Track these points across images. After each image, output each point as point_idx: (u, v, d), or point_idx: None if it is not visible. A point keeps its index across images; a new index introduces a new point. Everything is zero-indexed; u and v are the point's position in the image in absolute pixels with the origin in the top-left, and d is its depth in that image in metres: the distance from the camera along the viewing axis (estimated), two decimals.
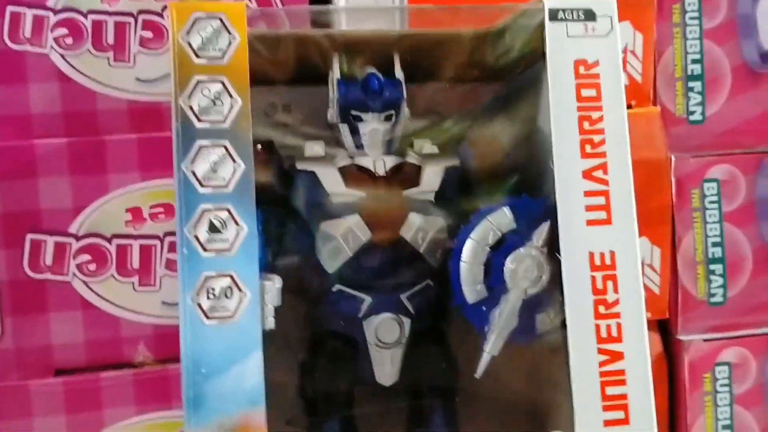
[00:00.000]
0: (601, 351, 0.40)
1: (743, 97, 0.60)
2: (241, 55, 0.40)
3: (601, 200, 0.40)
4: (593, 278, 0.40)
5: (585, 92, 0.41)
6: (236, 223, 0.40)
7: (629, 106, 0.57)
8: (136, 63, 0.53)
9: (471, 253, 0.42)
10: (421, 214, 0.44)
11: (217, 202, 0.40)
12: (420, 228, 0.43)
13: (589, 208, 0.40)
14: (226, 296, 0.39)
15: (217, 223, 0.40)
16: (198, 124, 0.40)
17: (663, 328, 0.60)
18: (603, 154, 0.41)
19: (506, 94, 0.48)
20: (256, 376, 0.38)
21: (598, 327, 0.40)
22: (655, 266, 0.57)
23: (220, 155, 0.40)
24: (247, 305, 0.39)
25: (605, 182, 0.41)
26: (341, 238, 0.43)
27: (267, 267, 0.42)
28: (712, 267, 0.59)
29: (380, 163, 0.44)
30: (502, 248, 0.42)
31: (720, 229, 0.59)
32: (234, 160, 0.40)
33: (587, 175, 0.41)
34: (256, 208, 0.40)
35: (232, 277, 0.39)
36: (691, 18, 0.59)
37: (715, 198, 0.59)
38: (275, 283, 0.41)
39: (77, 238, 0.52)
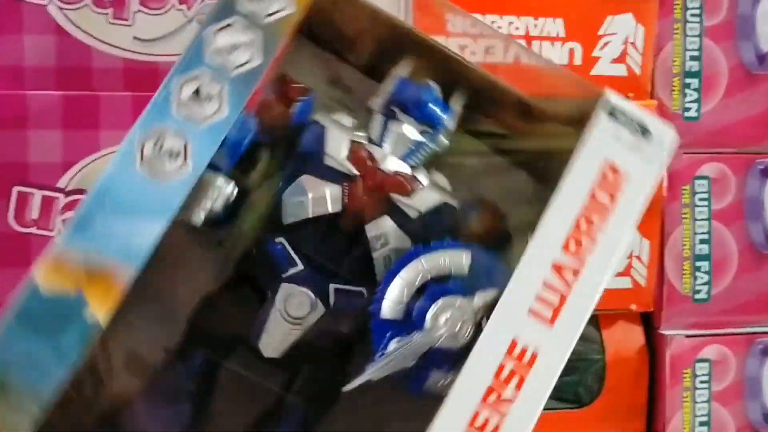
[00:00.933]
0: None
1: (739, 98, 0.60)
2: None
3: (554, 299, 0.38)
4: (502, 366, 0.37)
5: (599, 195, 0.40)
6: (221, 103, 0.39)
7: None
8: (135, 22, 0.53)
9: (413, 272, 0.40)
10: (395, 224, 0.43)
11: (216, 76, 0.39)
12: (385, 234, 0.42)
13: (539, 299, 0.38)
14: (170, 157, 0.38)
15: (204, 92, 0.39)
16: (241, 5, 0.40)
17: (647, 322, 0.60)
18: (583, 261, 0.39)
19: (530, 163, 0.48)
20: (147, 239, 0.37)
21: (477, 414, 0.37)
22: (643, 259, 0.57)
23: (246, 41, 0.39)
24: (180, 177, 0.38)
25: (569, 286, 0.38)
26: (311, 198, 0.42)
27: (226, 173, 0.41)
28: (698, 264, 0.59)
29: (389, 160, 0.43)
30: (443, 285, 0.40)
31: (708, 226, 0.59)
32: (256, 52, 0.39)
33: (557, 269, 0.39)
34: (252, 119, 0.40)
35: (187, 145, 0.38)
36: (693, 15, 0.59)
37: (705, 195, 0.59)
38: (227, 187, 0.40)
39: (65, 193, 0.51)
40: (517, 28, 0.57)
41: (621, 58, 0.57)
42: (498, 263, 0.41)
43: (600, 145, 0.40)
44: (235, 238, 0.44)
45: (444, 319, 0.39)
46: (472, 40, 0.53)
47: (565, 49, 0.57)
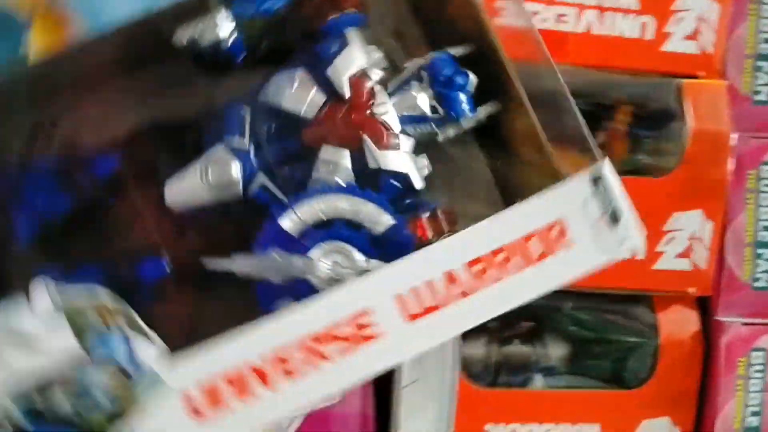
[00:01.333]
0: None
1: None
2: None
3: (429, 302, 0.38)
4: (339, 324, 0.37)
5: (533, 243, 0.38)
6: None
7: (696, 77, 0.57)
8: None
9: (331, 204, 0.40)
10: (350, 162, 0.42)
11: None
12: (336, 164, 0.41)
13: (414, 292, 0.37)
14: None
15: None
16: None
17: (703, 307, 0.59)
18: (476, 288, 0.38)
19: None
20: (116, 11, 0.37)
21: (286, 350, 0.37)
22: (705, 240, 0.56)
23: None
24: None
25: (450, 300, 0.38)
26: (293, 91, 0.42)
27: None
28: (759, 251, 0.58)
29: (387, 109, 0.42)
30: (348, 231, 0.40)
31: None
32: None
33: (449, 277, 0.38)
34: None
35: None
36: None
37: None
38: (224, 26, 0.41)
39: None
40: None
41: (693, 36, 0.56)
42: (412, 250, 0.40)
43: (565, 201, 0.38)
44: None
45: (331, 262, 0.39)
46: (545, 5, 0.53)
47: (637, 21, 0.56)
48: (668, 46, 0.56)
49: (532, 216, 0.38)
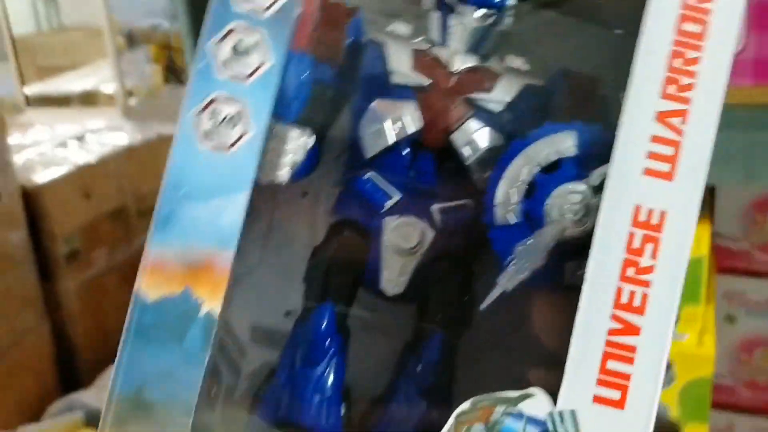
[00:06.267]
0: (615, 317, 0.34)
1: None
2: None
3: (668, 150, 0.35)
4: (631, 234, 0.34)
5: (687, 26, 0.36)
6: (263, 52, 0.37)
7: None
8: None
9: (515, 168, 0.38)
10: (482, 123, 0.40)
11: (250, 23, 0.37)
12: (473, 138, 0.40)
13: (652, 156, 0.35)
14: (231, 124, 0.37)
15: (241, 47, 0.37)
16: None
17: None
18: (687, 100, 0.35)
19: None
20: (234, 216, 0.36)
21: (620, 290, 0.34)
22: None
23: None
24: (247, 141, 0.36)
25: (680, 132, 0.35)
26: (388, 122, 0.40)
27: (297, 121, 0.40)
28: None
29: (458, 58, 0.41)
30: (554, 174, 0.38)
31: None
32: None
33: (661, 118, 0.35)
34: (304, 54, 0.38)
35: (243, 106, 0.37)
36: None
37: None
38: (304, 136, 0.39)
39: None
40: None
41: None
42: (603, 133, 0.37)
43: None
44: (320, 185, 0.43)
45: (565, 208, 0.37)
46: None
47: None
48: None
49: (664, 14, 0.36)
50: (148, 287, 0.35)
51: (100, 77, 2.57)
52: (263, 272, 0.43)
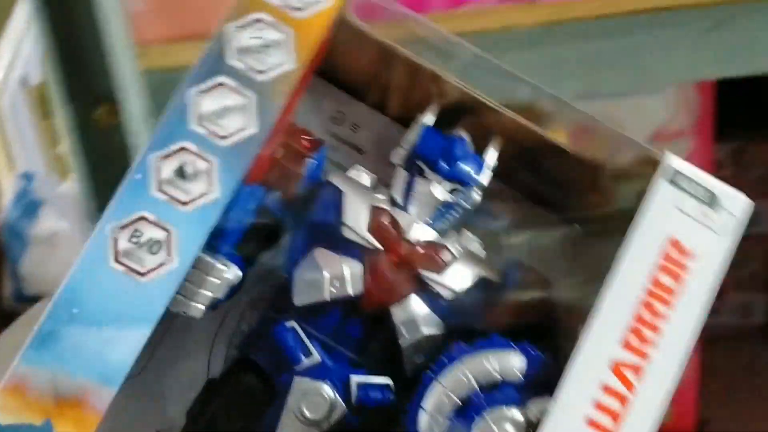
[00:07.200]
0: None
1: None
2: (324, 17, 0.35)
3: (615, 404, 0.33)
4: None
5: (663, 278, 0.35)
6: (210, 182, 0.33)
7: None
8: None
9: (453, 380, 0.36)
10: (426, 306, 0.37)
11: (203, 149, 0.33)
12: (414, 319, 0.37)
13: (598, 406, 0.33)
14: (153, 249, 0.33)
15: (188, 170, 0.33)
16: (231, 60, 0.34)
17: None
18: (645, 356, 0.34)
19: (579, 240, 0.42)
20: (125, 352, 0.31)
21: None
22: None
23: (238, 104, 0.34)
24: (166, 272, 0.32)
25: (631, 387, 0.34)
26: (328, 277, 0.37)
27: (231, 258, 0.37)
28: None
29: (416, 227, 0.38)
30: (490, 395, 0.35)
31: None
32: (250, 118, 0.34)
33: (616, 368, 0.34)
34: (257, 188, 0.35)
35: (170, 235, 0.33)
36: None
37: None
38: (229, 274, 0.36)
39: None
40: None
41: None
42: (545, 361, 0.36)
43: (661, 219, 0.35)
44: (233, 302, 0.39)
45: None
46: None
47: None
48: None
49: (642, 257, 0.35)
50: (2, 408, 0.31)
51: None
52: (142, 381, 0.39)
